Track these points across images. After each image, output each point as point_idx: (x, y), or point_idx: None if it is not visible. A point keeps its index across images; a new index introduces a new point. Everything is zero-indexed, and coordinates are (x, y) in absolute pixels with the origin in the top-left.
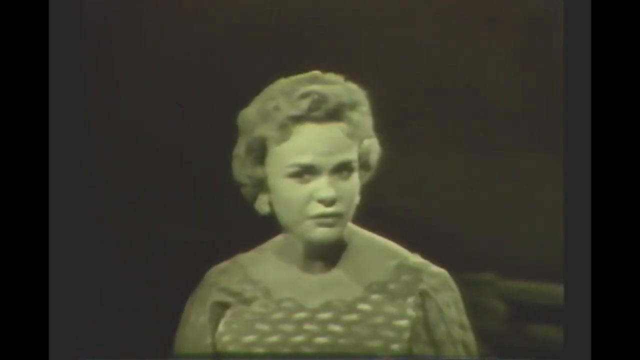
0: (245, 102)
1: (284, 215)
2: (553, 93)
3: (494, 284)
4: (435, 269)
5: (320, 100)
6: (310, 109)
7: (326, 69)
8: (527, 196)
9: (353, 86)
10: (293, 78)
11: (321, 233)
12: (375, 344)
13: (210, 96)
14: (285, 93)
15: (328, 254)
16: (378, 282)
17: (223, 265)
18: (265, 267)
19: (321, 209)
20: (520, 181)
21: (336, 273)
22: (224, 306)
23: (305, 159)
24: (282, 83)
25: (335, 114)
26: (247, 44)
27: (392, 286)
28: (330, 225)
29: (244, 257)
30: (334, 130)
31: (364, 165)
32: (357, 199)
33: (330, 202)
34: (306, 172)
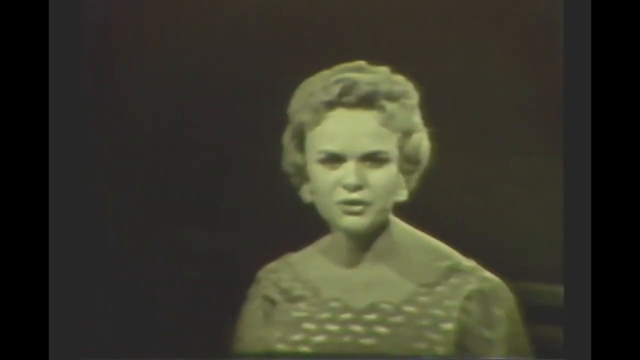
0: (245, 102)
1: (318, 202)
2: (553, 94)
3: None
4: (488, 274)
5: (351, 86)
6: (341, 94)
7: (326, 69)
8: (527, 197)
9: (398, 78)
10: (336, 67)
11: (348, 221)
12: (420, 346)
13: (211, 96)
14: (322, 79)
15: (375, 251)
16: (426, 283)
17: (273, 264)
18: (313, 265)
19: (345, 194)
20: (520, 182)
21: (383, 271)
22: (272, 303)
23: (332, 146)
24: (325, 71)
25: (366, 101)
26: (248, 43)
27: (439, 288)
28: (356, 214)
29: (293, 256)
30: (364, 118)
31: (410, 159)
32: (399, 193)
33: (354, 188)
34: (334, 158)
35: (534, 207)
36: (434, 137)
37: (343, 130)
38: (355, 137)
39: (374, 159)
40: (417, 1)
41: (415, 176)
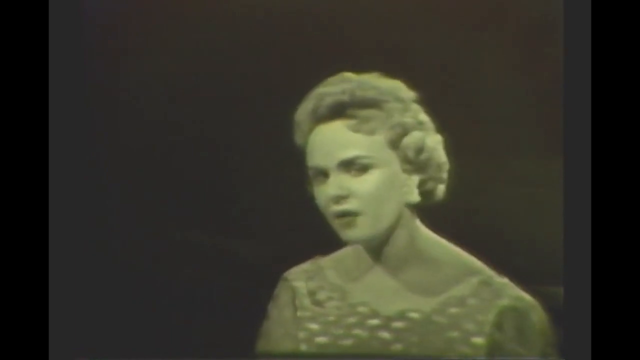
0: (245, 102)
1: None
2: (553, 94)
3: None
4: (522, 293)
5: (320, 100)
6: (314, 110)
7: (325, 69)
8: (527, 198)
9: (381, 82)
10: (324, 82)
11: (345, 235)
12: (450, 357)
13: (212, 96)
14: (305, 101)
15: (400, 260)
16: (458, 295)
17: (304, 265)
18: (342, 270)
19: (334, 207)
20: (520, 183)
21: (412, 282)
22: (300, 304)
23: (314, 161)
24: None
25: (335, 111)
26: (249, 43)
27: (472, 301)
28: (350, 225)
29: (323, 260)
30: (336, 128)
31: (409, 160)
32: (407, 195)
33: (338, 200)
34: (319, 173)
35: (534, 208)
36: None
37: (320, 143)
38: (330, 148)
39: (355, 166)
40: (417, 2)
41: (435, 176)
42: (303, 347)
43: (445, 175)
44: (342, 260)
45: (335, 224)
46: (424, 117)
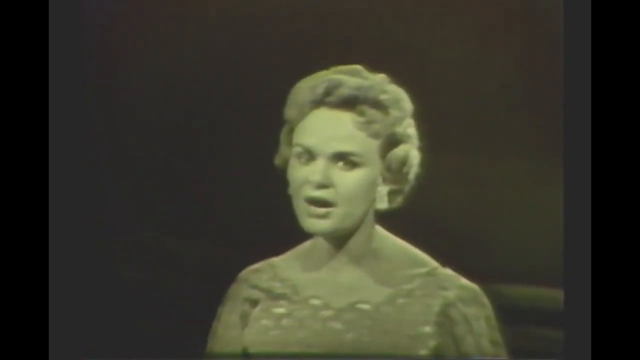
0: (245, 102)
1: (292, 197)
2: (553, 94)
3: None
4: (466, 282)
5: (335, 87)
6: (325, 94)
7: (323, 68)
8: (526, 199)
9: (391, 87)
10: (332, 69)
11: (310, 223)
12: (398, 347)
13: (212, 96)
14: (313, 79)
15: (355, 257)
16: (405, 287)
17: (256, 265)
18: (294, 267)
19: (310, 191)
20: (520, 184)
21: (364, 276)
22: (253, 303)
23: (306, 141)
24: (320, 72)
25: (347, 102)
26: (248, 43)
27: (419, 292)
28: (321, 216)
29: (276, 259)
30: (342, 119)
31: (392, 170)
32: (378, 201)
33: (318, 186)
34: (307, 153)
35: (534, 210)
36: (434, 137)
37: (320, 127)
38: (329, 136)
39: (345, 160)
40: (418, 3)
41: (403, 188)
42: (256, 344)
43: (408, 189)
44: (296, 256)
45: (304, 209)
46: (412, 131)
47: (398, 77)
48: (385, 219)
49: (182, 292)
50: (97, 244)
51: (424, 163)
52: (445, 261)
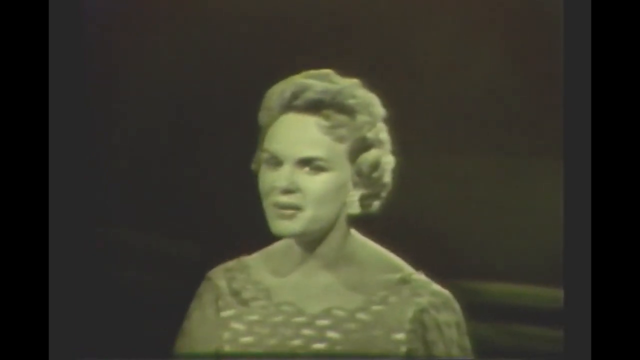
0: (245, 102)
1: (262, 201)
2: (553, 94)
3: (492, 288)
4: (438, 288)
5: (301, 91)
6: (292, 98)
7: (323, 68)
8: (526, 199)
9: (360, 92)
10: (304, 73)
11: (278, 225)
12: (371, 354)
13: (211, 96)
14: (284, 84)
15: (328, 260)
16: (380, 294)
17: (227, 264)
18: (267, 269)
19: (277, 197)
20: (520, 184)
21: (338, 281)
22: (225, 303)
23: (273, 146)
24: (293, 77)
25: (313, 107)
26: (248, 43)
27: (393, 299)
28: (286, 218)
29: (248, 258)
30: (308, 123)
31: (362, 174)
32: (348, 206)
33: (284, 191)
34: (274, 159)
35: (534, 210)
36: (433, 138)
37: (286, 133)
38: (294, 141)
39: (311, 165)
40: (418, 3)
41: (377, 193)
42: (227, 348)
43: (384, 194)
44: (268, 258)
45: (272, 212)
46: (384, 136)
47: (395, 77)
48: (383, 221)
49: (182, 292)
50: (97, 244)
51: (424, 163)
52: (445, 261)
